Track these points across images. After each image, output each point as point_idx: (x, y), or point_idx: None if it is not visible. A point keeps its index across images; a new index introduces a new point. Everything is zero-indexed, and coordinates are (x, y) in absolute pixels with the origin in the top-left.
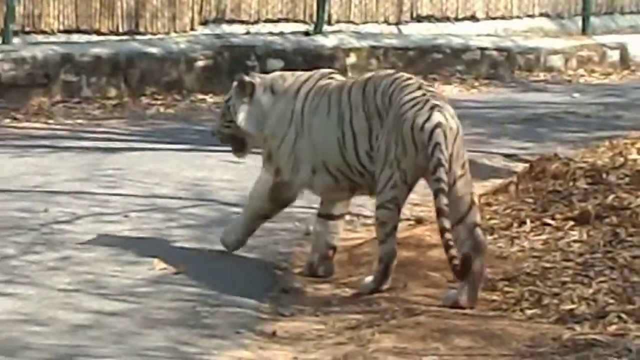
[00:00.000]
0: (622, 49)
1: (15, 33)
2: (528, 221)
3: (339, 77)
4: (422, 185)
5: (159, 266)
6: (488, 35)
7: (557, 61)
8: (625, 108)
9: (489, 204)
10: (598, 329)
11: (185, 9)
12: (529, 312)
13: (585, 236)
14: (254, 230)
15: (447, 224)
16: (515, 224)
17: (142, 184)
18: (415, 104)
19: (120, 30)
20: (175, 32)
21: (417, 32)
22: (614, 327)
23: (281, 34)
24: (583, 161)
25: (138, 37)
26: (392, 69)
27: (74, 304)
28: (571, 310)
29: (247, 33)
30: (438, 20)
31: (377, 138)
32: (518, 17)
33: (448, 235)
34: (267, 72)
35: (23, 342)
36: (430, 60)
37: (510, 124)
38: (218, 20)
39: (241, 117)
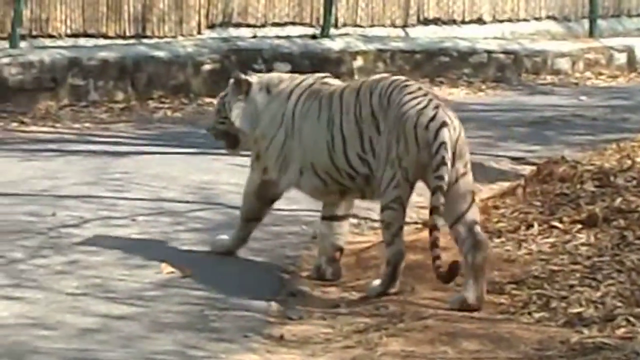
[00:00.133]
0: (629, 51)
1: (23, 37)
2: (536, 224)
3: (332, 81)
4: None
5: (166, 270)
6: (495, 38)
7: (564, 64)
8: (633, 111)
9: (496, 207)
10: (606, 332)
11: (192, 13)
12: (536, 315)
13: (592, 239)
14: (248, 233)
15: (438, 222)
16: (523, 227)
17: (150, 187)
18: (418, 102)
19: (128, 34)
20: (182, 35)
21: (424, 35)
22: (622, 330)
23: (288, 37)
24: (590, 164)
25: (145, 40)
26: (399, 72)
27: (82, 308)
28: (579, 313)
29: (254, 37)
30: (445, 23)
31: (371, 141)
32: (525, 19)
33: (437, 234)
34: None
35: (31, 346)
36: (437, 63)
37: (517, 127)
38: (225, 24)
39: (235, 114)
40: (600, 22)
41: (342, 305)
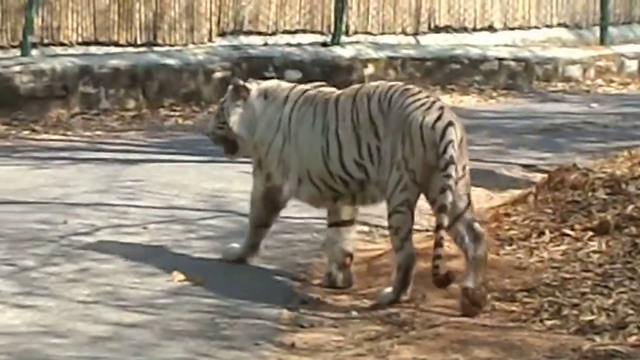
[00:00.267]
0: None
1: (34, 45)
2: (547, 232)
3: (327, 89)
4: None
5: (177, 278)
6: (506, 45)
7: (575, 71)
8: None
9: (507, 215)
10: (618, 339)
11: (203, 21)
12: (548, 322)
13: (604, 247)
14: (259, 240)
15: (445, 221)
16: (534, 235)
17: (161, 195)
18: (422, 104)
19: (139, 41)
20: (193, 43)
21: (435, 42)
22: (634, 337)
23: (299, 45)
24: (602, 171)
25: (156, 48)
26: (409, 79)
27: (94, 316)
28: (591, 321)
29: (265, 44)
30: (456, 30)
31: (369, 147)
32: (536, 27)
33: (442, 233)
34: None
35: (43, 354)
36: (448, 71)
37: (528, 134)
38: (236, 32)
39: (233, 120)
40: (612, 30)
41: (354, 313)
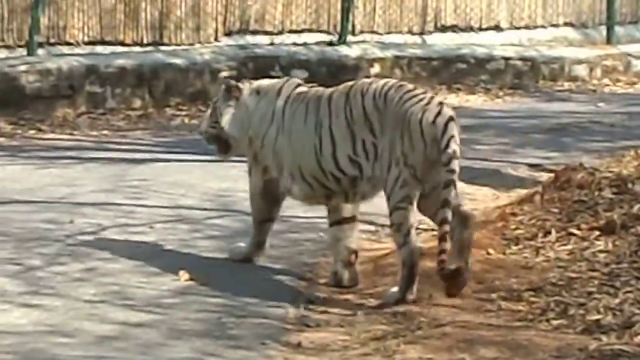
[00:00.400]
0: None
1: (40, 45)
2: (553, 231)
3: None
4: None
5: (184, 277)
6: (512, 45)
7: (581, 71)
8: None
9: (514, 214)
10: (624, 339)
11: (210, 20)
12: (555, 322)
13: (611, 246)
14: (264, 237)
15: (449, 215)
16: (541, 234)
17: (167, 195)
18: (420, 99)
19: (145, 41)
20: (200, 43)
21: (441, 42)
22: None
23: (305, 44)
24: (608, 171)
25: (162, 48)
26: (416, 78)
27: (100, 315)
28: (597, 320)
29: (271, 44)
30: (462, 30)
31: (364, 143)
32: (542, 26)
33: (447, 228)
34: None
35: (49, 354)
36: (454, 70)
37: (534, 133)
38: (242, 31)
39: (225, 120)
40: (618, 29)
41: (360, 313)
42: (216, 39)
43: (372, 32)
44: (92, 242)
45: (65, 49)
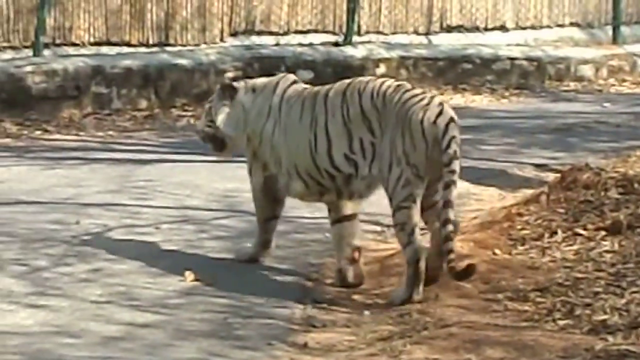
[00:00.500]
0: None
1: (46, 45)
2: (559, 231)
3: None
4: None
5: (190, 278)
6: (518, 45)
7: (587, 71)
8: None
9: (520, 214)
10: (631, 339)
11: (215, 21)
12: (561, 322)
13: (617, 246)
14: (269, 236)
15: (452, 215)
16: (547, 234)
17: (173, 195)
18: (420, 99)
19: (150, 42)
20: (205, 43)
21: (447, 42)
22: None
23: (311, 45)
24: (614, 171)
25: (168, 48)
26: (421, 79)
27: (106, 316)
28: (604, 320)
29: (277, 44)
30: (468, 30)
31: (362, 142)
32: (548, 26)
33: (450, 227)
34: None
35: (55, 354)
36: (460, 71)
37: (540, 133)
38: (248, 32)
39: (220, 119)
40: (624, 29)
41: (366, 313)
42: (222, 40)
43: (378, 32)
44: (98, 243)
45: (71, 50)
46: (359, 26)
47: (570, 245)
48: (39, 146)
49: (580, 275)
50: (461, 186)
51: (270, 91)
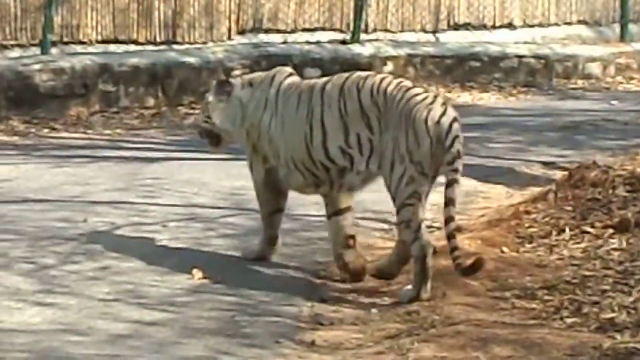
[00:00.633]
0: None
1: (54, 43)
2: (567, 229)
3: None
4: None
5: (197, 276)
6: (525, 42)
7: (595, 68)
8: None
9: (528, 212)
10: (638, 337)
11: (223, 19)
12: (569, 320)
13: (624, 244)
14: (275, 231)
15: (454, 213)
16: (555, 232)
17: (181, 193)
18: (424, 98)
19: (158, 40)
20: (213, 41)
21: (454, 40)
22: None
23: (318, 42)
24: (622, 169)
25: (175, 46)
26: (429, 76)
27: (114, 314)
28: (611, 318)
29: (284, 42)
30: (475, 28)
31: (359, 137)
32: (556, 24)
33: (453, 225)
34: None
35: (63, 352)
36: (468, 68)
37: (548, 131)
38: (255, 30)
39: (217, 115)
40: (632, 27)
41: (374, 311)
42: (229, 38)
43: (385, 30)
44: (105, 241)
45: (78, 48)
46: (366, 24)
47: (578, 243)
48: (47, 144)
49: (587, 273)
50: (469, 184)
51: (267, 84)
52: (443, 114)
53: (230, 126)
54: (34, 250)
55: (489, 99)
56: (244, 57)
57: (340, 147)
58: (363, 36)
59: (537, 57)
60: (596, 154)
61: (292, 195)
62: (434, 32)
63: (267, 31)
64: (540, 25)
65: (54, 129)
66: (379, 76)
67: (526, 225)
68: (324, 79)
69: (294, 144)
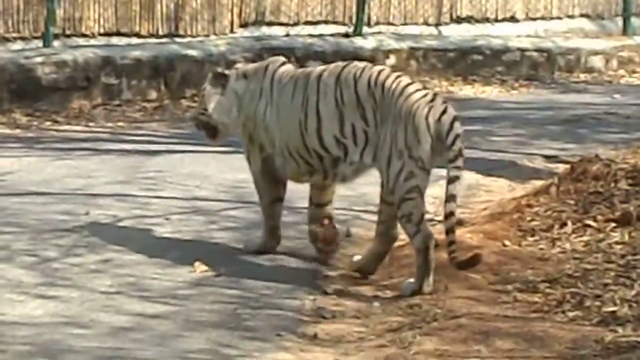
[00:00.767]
0: None
1: (56, 36)
2: (569, 223)
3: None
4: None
5: (199, 268)
6: (528, 36)
7: (597, 62)
8: None
9: (530, 206)
10: None
11: (225, 11)
12: (570, 314)
13: (627, 237)
14: (276, 222)
15: (454, 208)
16: (557, 226)
17: (183, 186)
18: (424, 95)
19: (160, 32)
20: (215, 34)
21: (457, 33)
22: None
23: (320, 36)
24: (624, 162)
25: (178, 39)
26: (431, 70)
27: (116, 307)
28: (613, 312)
29: (287, 35)
30: (478, 21)
31: (354, 127)
32: (558, 17)
33: (453, 220)
34: None
35: (65, 345)
36: (470, 62)
37: (550, 125)
38: (258, 23)
39: (212, 107)
40: (634, 20)
41: (376, 304)
42: (232, 31)
43: (388, 23)
44: (107, 234)
45: (81, 41)
46: (368, 17)
47: (580, 236)
48: (49, 137)
49: (589, 267)
50: (471, 177)
51: (261, 74)
52: (444, 112)
53: (227, 118)
54: (36, 242)
55: (492, 92)
56: (247, 50)
57: (335, 137)
58: (365, 29)
59: (540, 50)
60: (598, 148)
61: (293, 188)
62: (437, 25)
63: (269, 24)
64: (543, 18)
65: (56, 121)
66: (377, 68)
67: (528, 218)
68: (320, 67)
69: (289, 131)
